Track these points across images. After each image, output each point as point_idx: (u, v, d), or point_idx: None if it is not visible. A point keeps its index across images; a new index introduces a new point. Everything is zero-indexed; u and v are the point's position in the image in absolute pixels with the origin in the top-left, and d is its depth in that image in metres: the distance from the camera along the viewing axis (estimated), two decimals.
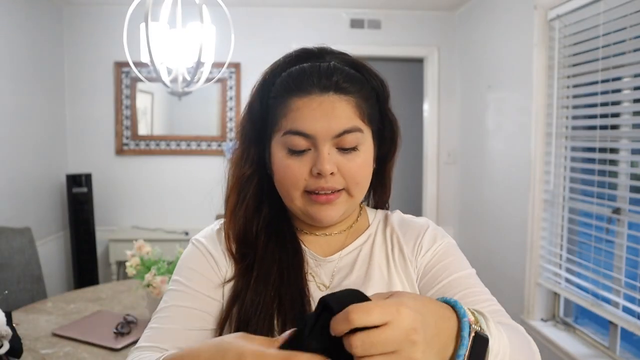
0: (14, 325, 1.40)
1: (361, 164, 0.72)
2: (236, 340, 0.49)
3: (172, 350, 0.62)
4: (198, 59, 2.07)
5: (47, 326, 1.83)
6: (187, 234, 3.46)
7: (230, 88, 3.66)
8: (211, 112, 3.70)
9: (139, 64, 2.40)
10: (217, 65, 2.69)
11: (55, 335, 1.75)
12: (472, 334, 0.49)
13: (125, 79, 3.60)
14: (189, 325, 0.71)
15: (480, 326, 0.51)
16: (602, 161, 2.17)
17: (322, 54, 0.76)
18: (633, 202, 2.00)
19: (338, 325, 0.42)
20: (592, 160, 2.24)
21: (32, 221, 3.02)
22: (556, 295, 2.57)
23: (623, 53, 2.01)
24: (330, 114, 0.69)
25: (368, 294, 0.46)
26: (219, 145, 3.68)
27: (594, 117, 2.21)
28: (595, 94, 2.17)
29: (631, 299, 1.96)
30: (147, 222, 3.70)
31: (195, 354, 0.52)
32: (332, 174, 0.70)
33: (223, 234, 0.78)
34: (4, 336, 1.36)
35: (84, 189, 3.39)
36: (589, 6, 2.18)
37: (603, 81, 2.11)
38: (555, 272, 2.48)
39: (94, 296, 2.18)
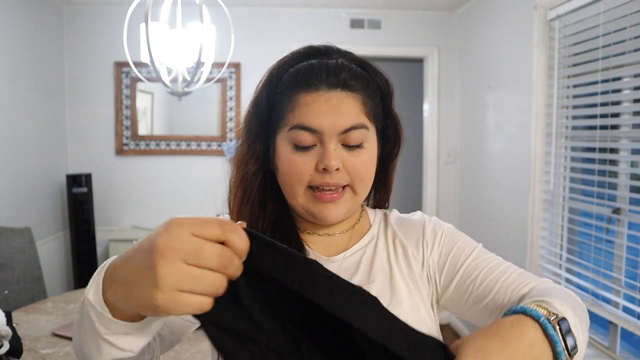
0: (14, 325, 1.40)
1: (366, 161, 0.73)
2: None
3: None
4: (198, 59, 2.07)
5: (47, 326, 1.83)
6: None
7: (230, 88, 3.66)
8: (211, 112, 3.69)
9: (139, 64, 2.41)
10: (217, 65, 2.70)
11: (55, 335, 1.75)
12: (557, 327, 0.52)
13: (125, 79, 3.60)
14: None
15: (553, 314, 0.54)
16: (602, 161, 2.16)
17: (329, 51, 0.76)
18: (633, 202, 2.00)
19: None
20: (592, 160, 2.24)
21: (32, 221, 3.02)
22: None
23: (623, 53, 2.01)
24: (338, 110, 0.69)
25: None
26: (219, 145, 3.67)
27: (594, 117, 2.21)
28: (595, 94, 2.17)
29: (631, 299, 1.96)
30: (147, 222, 3.69)
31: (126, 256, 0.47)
32: (337, 169, 0.70)
33: None
34: (4, 336, 1.36)
35: (84, 189, 3.38)
36: (589, 6, 2.18)
37: (603, 81, 2.11)
38: (555, 272, 2.48)
39: None
